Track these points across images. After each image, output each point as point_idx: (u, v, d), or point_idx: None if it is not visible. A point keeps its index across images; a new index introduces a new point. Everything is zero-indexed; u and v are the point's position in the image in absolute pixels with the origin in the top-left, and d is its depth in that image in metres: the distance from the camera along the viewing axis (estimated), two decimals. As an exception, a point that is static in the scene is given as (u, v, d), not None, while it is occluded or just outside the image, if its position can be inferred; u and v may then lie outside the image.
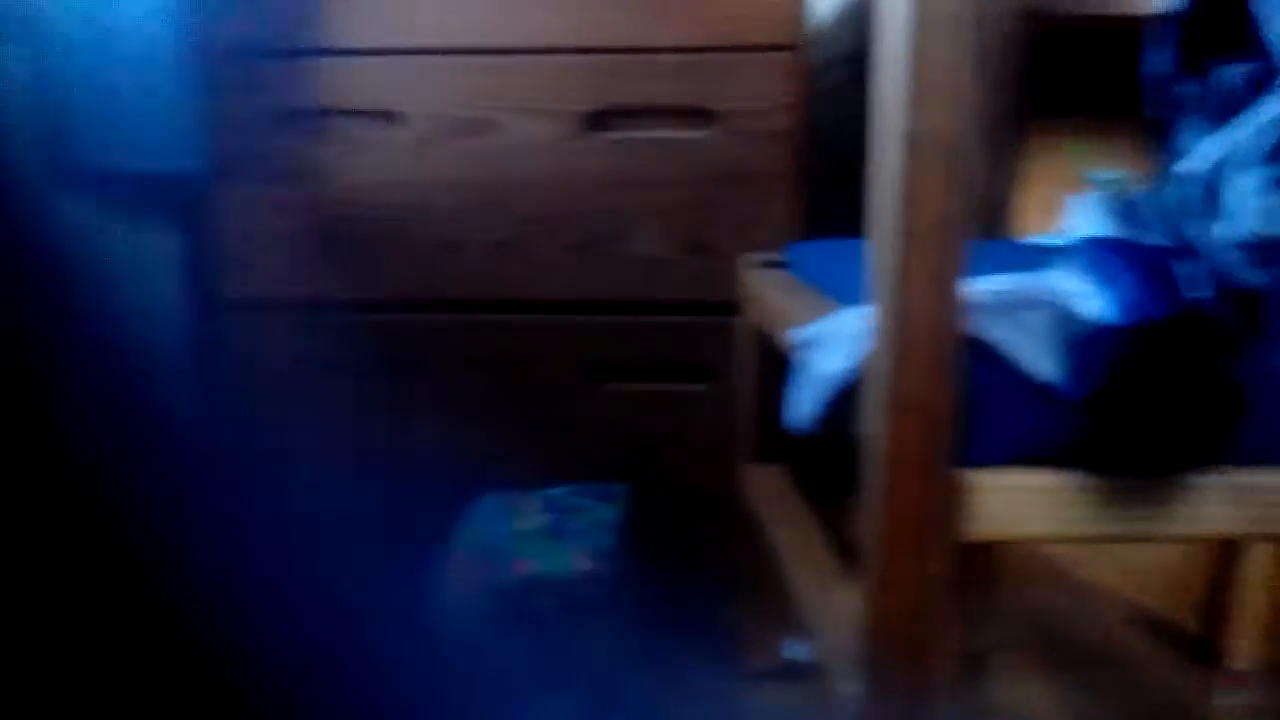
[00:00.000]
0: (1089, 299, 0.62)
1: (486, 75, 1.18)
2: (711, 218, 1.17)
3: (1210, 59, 0.68)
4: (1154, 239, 0.65)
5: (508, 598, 1.03)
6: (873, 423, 0.61)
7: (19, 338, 0.37)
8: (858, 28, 1.37)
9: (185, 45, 1.17)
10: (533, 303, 1.22)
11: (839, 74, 1.37)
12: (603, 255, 1.20)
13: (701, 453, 1.22)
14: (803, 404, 0.67)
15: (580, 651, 1.04)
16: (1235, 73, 0.65)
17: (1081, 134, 1.07)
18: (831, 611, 0.78)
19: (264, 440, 1.27)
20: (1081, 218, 0.72)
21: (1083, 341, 0.60)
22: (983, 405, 0.61)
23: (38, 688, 0.31)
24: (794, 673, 1.10)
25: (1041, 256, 0.74)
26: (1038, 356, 0.61)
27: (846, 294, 0.79)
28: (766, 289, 0.95)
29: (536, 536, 1.09)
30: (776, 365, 1.02)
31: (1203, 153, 0.63)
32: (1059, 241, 0.78)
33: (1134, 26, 0.74)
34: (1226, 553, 1.13)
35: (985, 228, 1.10)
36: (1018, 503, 0.63)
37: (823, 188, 1.27)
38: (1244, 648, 1.12)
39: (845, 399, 0.67)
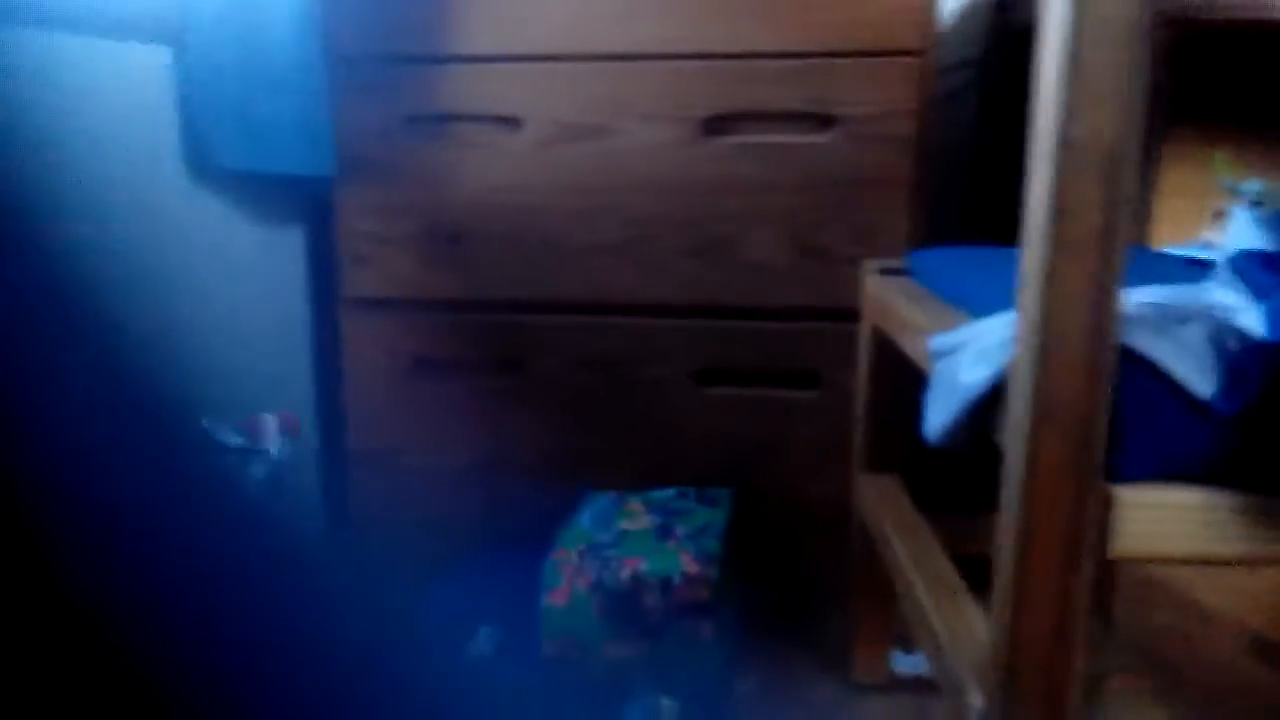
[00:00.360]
0: (1245, 313, 0.60)
1: (605, 81, 1.19)
2: (828, 223, 1.16)
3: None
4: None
5: (614, 595, 1.04)
6: (1017, 434, 0.60)
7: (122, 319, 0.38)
8: (978, 32, 1.34)
9: (317, 50, 1.21)
10: (646, 306, 1.23)
11: (958, 79, 1.35)
12: (717, 260, 1.20)
13: (810, 460, 1.21)
14: (941, 413, 0.66)
15: (684, 652, 1.04)
16: None
17: (1224, 142, 1.03)
18: (956, 626, 0.76)
19: (377, 433, 1.30)
20: (1236, 230, 0.70)
21: (1238, 356, 0.58)
22: (1132, 419, 0.59)
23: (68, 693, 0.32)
24: (901, 686, 1.09)
25: (1188, 268, 0.72)
26: (1191, 370, 0.59)
27: (974, 302, 0.78)
28: (890, 296, 0.94)
29: (644, 537, 1.10)
30: (895, 373, 1.02)
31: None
32: (1204, 253, 0.76)
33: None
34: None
35: (1130, 236, 1.07)
36: (1165, 520, 0.61)
37: (939, 194, 1.26)
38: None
39: (985, 409, 0.66)
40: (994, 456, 0.64)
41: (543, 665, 1.07)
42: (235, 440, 0.80)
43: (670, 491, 1.21)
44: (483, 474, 1.30)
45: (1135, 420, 0.60)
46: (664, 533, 1.10)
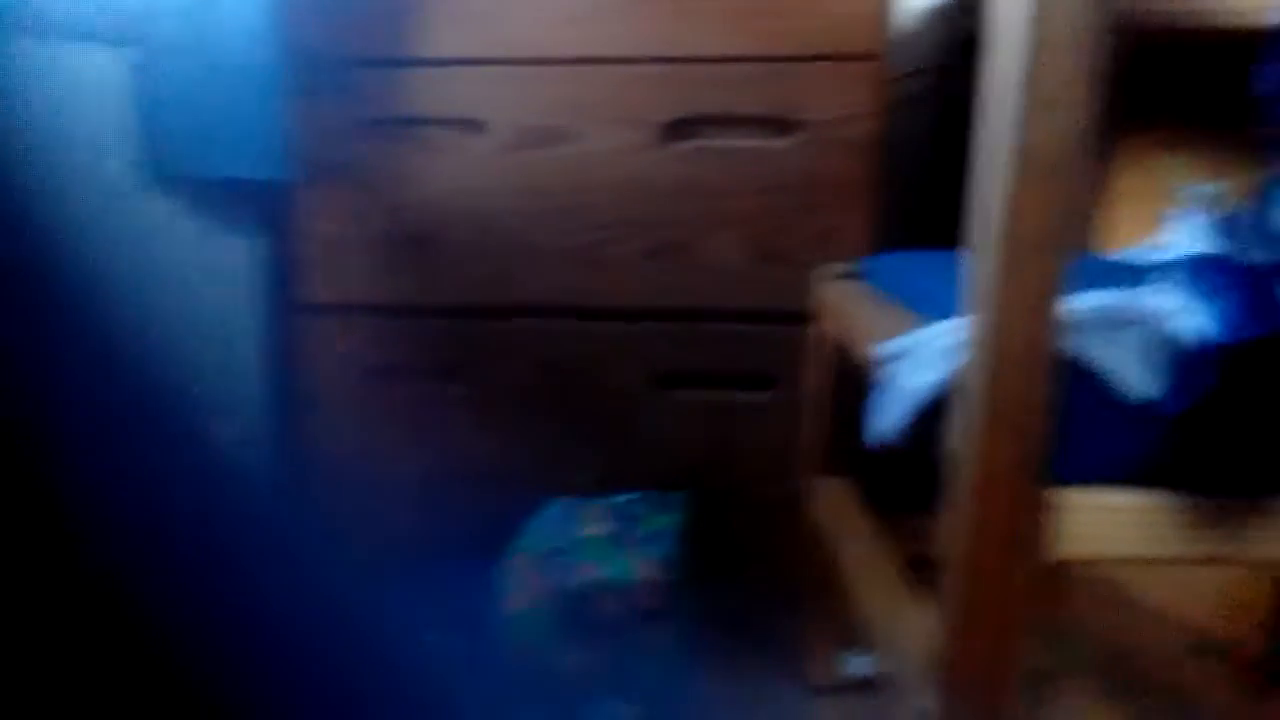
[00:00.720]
0: (1189, 316, 0.61)
1: (567, 85, 1.19)
2: (786, 227, 1.17)
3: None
4: (1256, 257, 0.64)
5: (570, 602, 1.03)
6: (962, 437, 0.60)
7: (87, 330, 0.38)
8: (937, 38, 1.35)
9: (274, 53, 1.19)
10: (605, 310, 1.22)
11: (916, 84, 1.36)
12: (676, 263, 1.20)
13: (766, 463, 1.21)
14: (888, 417, 0.66)
15: (642, 658, 1.04)
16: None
17: (1176, 147, 1.05)
18: (902, 627, 0.76)
19: (334, 440, 1.28)
20: (1182, 233, 0.70)
21: (1182, 359, 0.59)
22: (1075, 422, 0.60)
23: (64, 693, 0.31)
24: (855, 686, 1.09)
25: (1136, 272, 0.73)
26: (1134, 374, 0.59)
27: (927, 307, 0.78)
28: (843, 300, 0.94)
29: (600, 543, 1.09)
30: (848, 377, 1.02)
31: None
32: (1155, 257, 0.76)
33: (1236, 38, 0.72)
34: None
35: (1077, 242, 1.08)
36: (1107, 522, 0.61)
37: (898, 198, 1.26)
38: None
39: (931, 413, 0.66)
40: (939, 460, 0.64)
41: (501, 671, 1.06)
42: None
43: (626, 497, 1.20)
44: (443, 480, 1.29)
45: (1079, 424, 0.60)
46: (621, 538, 1.09)
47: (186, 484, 0.36)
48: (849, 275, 1.03)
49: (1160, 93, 1.07)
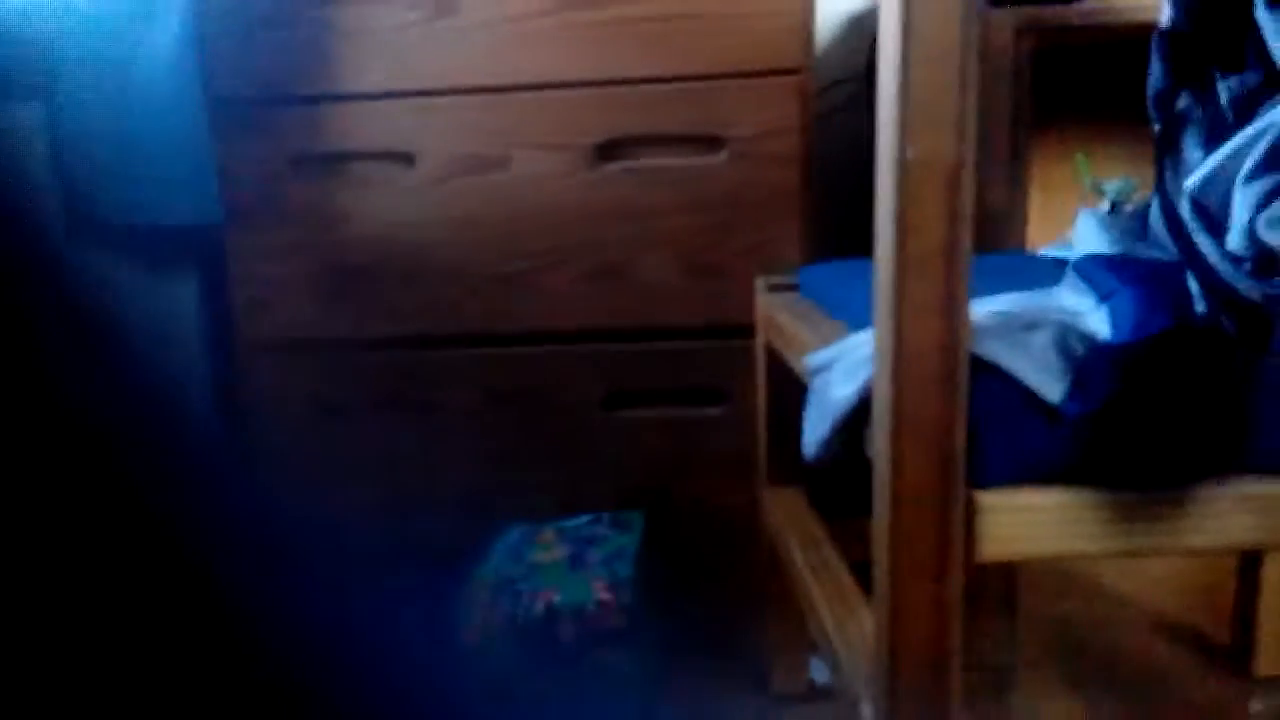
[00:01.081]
0: (1092, 316, 0.63)
1: (494, 113, 1.20)
2: (722, 242, 1.18)
3: (1210, 73, 0.68)
4: (1156, 254, 0.66)
5: (529, 629, 1.04)
6: (880, 446, 0.62)
7: (37, 387, 0.38)
8: (860, 47, 1.38)
9: (199, 96, 1.20)
10: (548, 334, 1.23)
11: (842, 94, 1.39)
12: (616, 283, 1.21)
13: (721, 476, 1.23)
14: (815, 432, 0.68)
15: (601, 681, 1.04)
16: (1235, 85, 0.66)
17: (1091, 143, 1.08)
18: (850, 634, 0.78)
19: (284, 478, 1.28)
20: (1086, 231, 0.73)
21: (1085, 359, 0.61)
22: (990, 426, 0.62)
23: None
24: (821, 694, 1.10)
25: (1047, 270, 0.75)
26: (1041, 376, 0.61)
27: (856, 316, 0.80)
28: (779, 312, 0.96)
29: (557, 567, 1.10)
30: (791, 388, 1.03)
31: (1203, 165, 0.63)
32: (1064, 254, 0.79)
33: (1143, 37, 0.75)
34: (1252, 560, 1.12)
35: (992, 239, 1.11)
36: (1029, 522, 0.63)
37: (833, 208, 1.28)
38: (1273, 654, 1.11)
39: (857, 423, 0.67)
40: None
41: (460, 699, 1.06)
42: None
43: (583, 519, 1.21)
44: (397, 513, 1.29)
45: (992, 427, 0.62)
46: (576, 562, 1.10)
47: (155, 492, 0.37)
48: (784, 287, 1.04)
49: (1072, 91, 1.10)
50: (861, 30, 1.39)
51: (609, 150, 1.19)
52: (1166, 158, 0.73)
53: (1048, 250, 0.92)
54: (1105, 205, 0.95)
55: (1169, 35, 0.71)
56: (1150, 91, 0.70)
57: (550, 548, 1.14)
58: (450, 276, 1.23)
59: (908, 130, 0.57)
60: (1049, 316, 0.62)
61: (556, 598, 1.04)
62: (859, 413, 0.66)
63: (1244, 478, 0.62)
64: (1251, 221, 0.56)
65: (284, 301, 1.26)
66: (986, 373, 0.61)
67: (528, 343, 1.24)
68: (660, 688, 1.11)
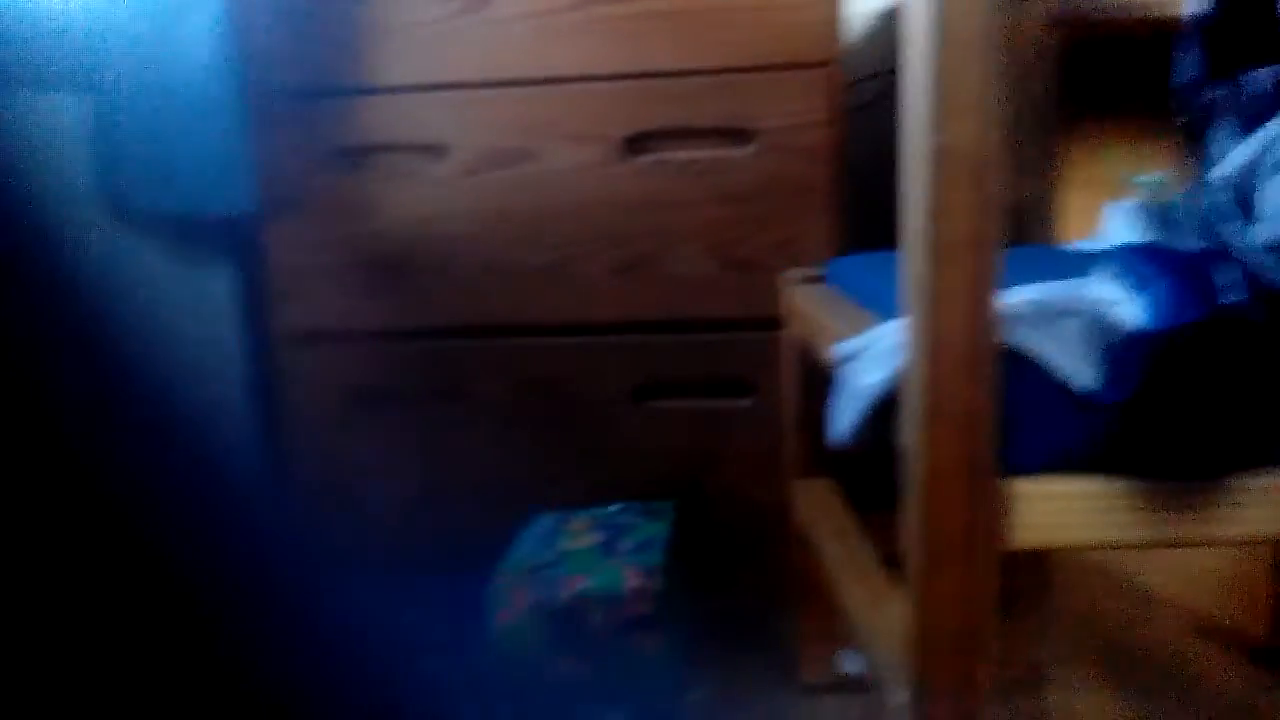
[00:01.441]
0: (1124, 305, 0.63)
1: (526, 105, 1.22)
2: (752, 235, 1.19)
3: (1240, 64, 0.68)
4: (1189, 244, 0.66)
5: (560, 615, 1.05)
6: (911, 434, 0.63)
7: (67, 377, 0.40)
8: (889, 41, 1.38)
9: (235, 89, 1.22)
10: (578, 325, 1.25)
11: (871, 88, 1.39)
12: (645, 276, 1.22)
13: (749, 467, 1.24)
14: (843, 418, 0.69)
15: (632, 667, 1.06)
16: (1264, 77, 0.66)
17: (1122, 137, 1.07)
18: (880, 624, 0.79)
19: (320, 467, 1.31)
20: (1117, 223, 0.73)
21: (1118, 347, 0.61)
22: (1021, 414, 0.62)
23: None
24: (849, 685, 1.11)
25: (1079, 263, 0.75)
26: (1074, 364, 0.62)
27: (886, 307, 0.81)
28: (808, 304, 0.97)
29: (587, 554, 1.11)
30: (820, 379, 1.04)
31: (1234, 157, 0.64)
32: (1096, 248, 0.79)
33: (1171, 30, 0.75)
34: (1288, 555, 1.12)
35: (1024, 233, 1.11)
36: (1060, 510, 0.64)
37: (862, 201, 1.29)
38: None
39: (885, 412, 0.68)
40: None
41: (493, 685, 1.08)
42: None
43: (614, 508, 1.23)
44: (428, 502, 1.31)
45: (1024, 415, 0.63)
46: (608, 549, 1.12)
47: (179, 500, 0.38)
48: (813, 279, 1.05)
49: (1114, 83, 1.10)
50: (890, 25, 1.39)
51: (639, 143, 1.20)
52: (1195, 149, 0.73)
53: (1078, 244, 0.92)
54: (1138, 198, 0.95)
55: (1200, 25, 0.71)
56: (1177, 83, 0.70)
57: (581, 535, 1.16)
58: (482, 268, 1.25)
59: (937, 116, 0.58)
60: (1081, 304, 0.63)
61: (587, 583, 1.05)
62: (888, 400, 0.67)
63: (1278, 469, 0.63)
64: (1285, 210, 0.56)
65: (317, 292, 1.29)
66: (1018, 360, 0.62)
67: (558, 334, 1.26)
68: (689, 675, 1.12)
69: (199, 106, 1.18)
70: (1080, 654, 1.19)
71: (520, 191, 1.23)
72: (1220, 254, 0.63)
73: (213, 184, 1.20)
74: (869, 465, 1.07)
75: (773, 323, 1.15)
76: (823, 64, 1.14)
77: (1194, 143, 0.70)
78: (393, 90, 1.24)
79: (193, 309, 1.31)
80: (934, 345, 0.60)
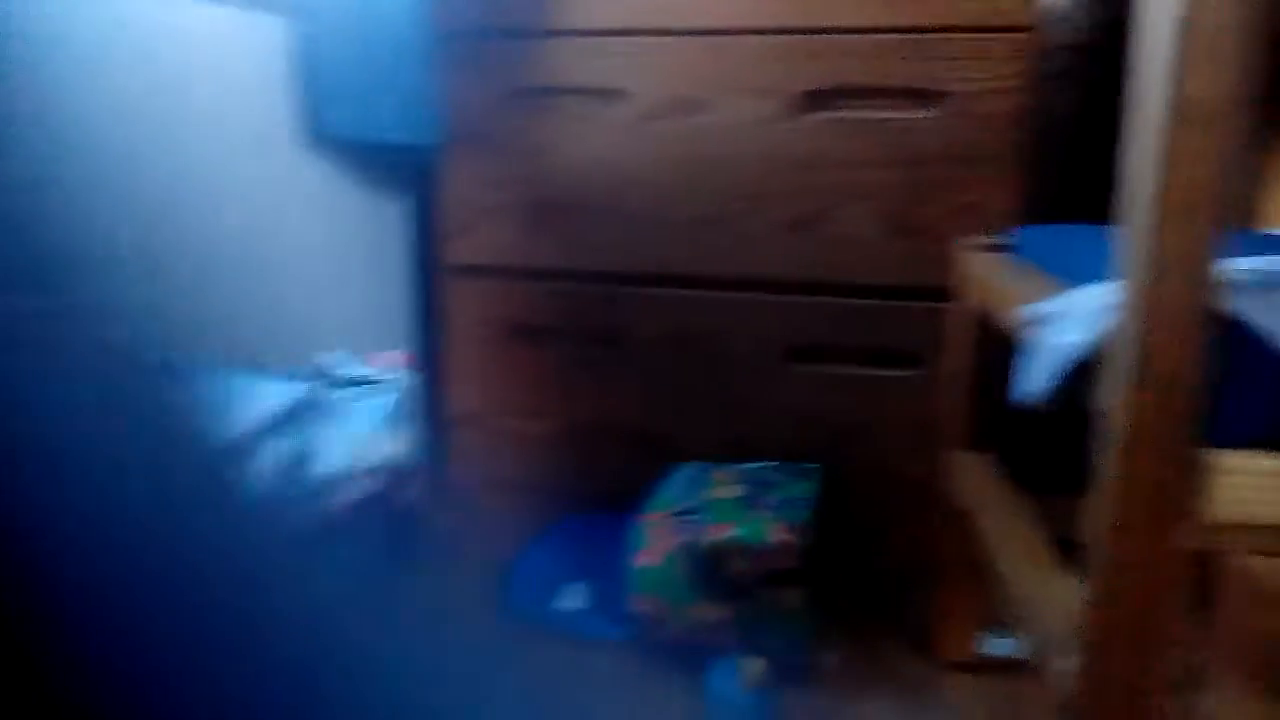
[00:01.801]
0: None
1: (706, 55, 1.23)
2: (925, 201, 1.19)
3: None
4: None
5: (703, 558, 1.08)
6: (1113, 397, 0.63)
7: None
8: (1090, 11, 1.34)
9: (428, 25, 1.28)
10: (739, 280, 1.27)
11: (1066, 58, 1.36)
12: (811, 235, 1.23)
13: (901, 440, 1.24)
14: (1036, 376, 0.69)
15: (771, 617, 1.08)
16: None
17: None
18: (1047, 595, 0.79)
19: (471, 396, 1.36)
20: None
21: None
22: (1231, 384, 0.61)
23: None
24: (991, 667, 1.11)
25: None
26: (1296, 338, 0.60)
27: (1078, 275, 0.80)
28: (989, 272, 0.96)
29: (733, 505, 1.14)
30: (993, 350, 1.03)
31: None
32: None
33: None
34: None
35: (1234, 218, 1.06)
36: (1262, 486, 0.63)
37: (1042, 173, 1.26)
38: None
39: (1079, 375, 0.68)
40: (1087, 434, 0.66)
41: (630, 622, 1.12)
42: (361, 372, 0.87)
43: (760, 464, 1.25)
44: (574, 440, 1.36)
45: (1236, 386, 0.62)
46: (753, 501, 1.14)
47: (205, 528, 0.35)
48: (993, 248, 1.04)
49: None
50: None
51: (817, 99, 1.21)
52: None
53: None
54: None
55: None
56: None
57: (725, 486, 1.18)
58: (649, 216, 1.28)
59: (1177, 65, 0.57)
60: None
61: (733, 531, 1.08)
62: (1085, 363, 0.67)
63: None
64: None
65: (487, 227, 1.34)
66: (1234, 329, 0.61)
67: (718, 287, 1.28)
68: (824, 635, 1.14)
69: (395, 40, 1.25)
70: (1240, 665, 1.15)
71: (692, 141, 1.25)
72: None
73: (403, 115, 1.27)
74: (1034, 443, 1.06)
75: (941, 293, 1.14)
76: (1023, 28, 1.12)
77: None
78: (576, 33, 1.27)
79: (367, 231, 1.38)
80: (1148, 307, 0.60)
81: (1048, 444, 1.09)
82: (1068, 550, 0.85)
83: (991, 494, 0.99)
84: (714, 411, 1.31)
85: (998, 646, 1.12)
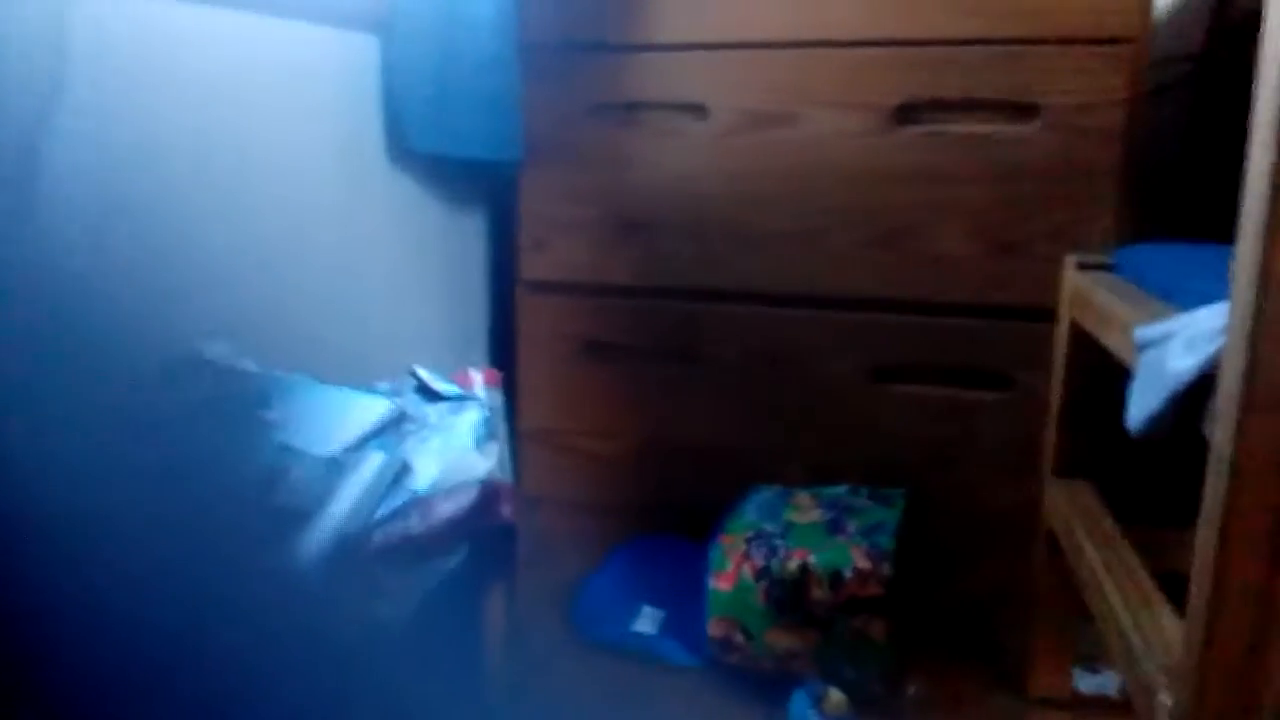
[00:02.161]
0: None
1: (791, 68, 1.25)
2: (1024, 218, 1.18)
3: None
4: None
5: (781, 584, 1.09)
6: (1225, 423, 0.62)
7: None
8: (1197, 25, 1.32)
9: (512, 40, 1.31)
10: (824, 298, 1.27)
11: (1172, 72, 1.34)
12: (901, 252, 1.23)
13: (992, 466, 1.23)
14: (1146, 403, 0.68)
15: (853, 647, 1.08)
16: None
17: None
18: (1149, 629, 0.78)
19: (544, 412, 1.39)
20: None
21: None
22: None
23: None
24: (1084, 704, 1.09)
25: None
26: None
27: (1186, 296, 0.79)
28: (1096, 292, 0.96)
29: (813, 530, 1.14)
30: (1093, 373, 1.02)
31: None
32: None
33: None
34: None
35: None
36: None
37: (1145, 191, 1.25)
38: None
39: (1192, 400, 0.67)
40: (1197, 464, 0.65)
41: (705, 646, 1.13)
42: (450, 390, 0.90)
43: (841, 488, 1.25)
44: (650, 459, 1.38)
45: (1358, 414, 0.60)
46: (834, 527, 1.14)
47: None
48: (1095, 266, 1.03)
49: None
50: (1200, 7, 1.33)
51: (909, 112, 1.21)
52: None
53: None
54: None
55: None
56: None
57: (806, 510, 1.19)
58: (730, 232, 1.30)
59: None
60: None
61: (813, 558, 1.08)
62: (1196, 388, 0.66)
63: None
64: None
65: (564, 242, 1.37)
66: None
67: (801, 305, 1.29)
68: (907, 664, 1.13)
69: (479, 57, 1.28)
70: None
71: (777, 156, 1.27)
72: None
73: (487, 131, 1.30)
74: (1137, 474, 1.05)
75: (1038, 313, 1.13)
76: (1129, 40, 1.11)
77: None
78: (658, 48, 1.30)
79: (446, 246, 1.42)
80: (1262, 331, 0.59)
81: (1148, 472, 1.07)
82: (1169, 584, 0.84)
83: (1090, 522, 0.98)
84: (794, 432, 1.31)
85: (1092, 683, 1.10)
